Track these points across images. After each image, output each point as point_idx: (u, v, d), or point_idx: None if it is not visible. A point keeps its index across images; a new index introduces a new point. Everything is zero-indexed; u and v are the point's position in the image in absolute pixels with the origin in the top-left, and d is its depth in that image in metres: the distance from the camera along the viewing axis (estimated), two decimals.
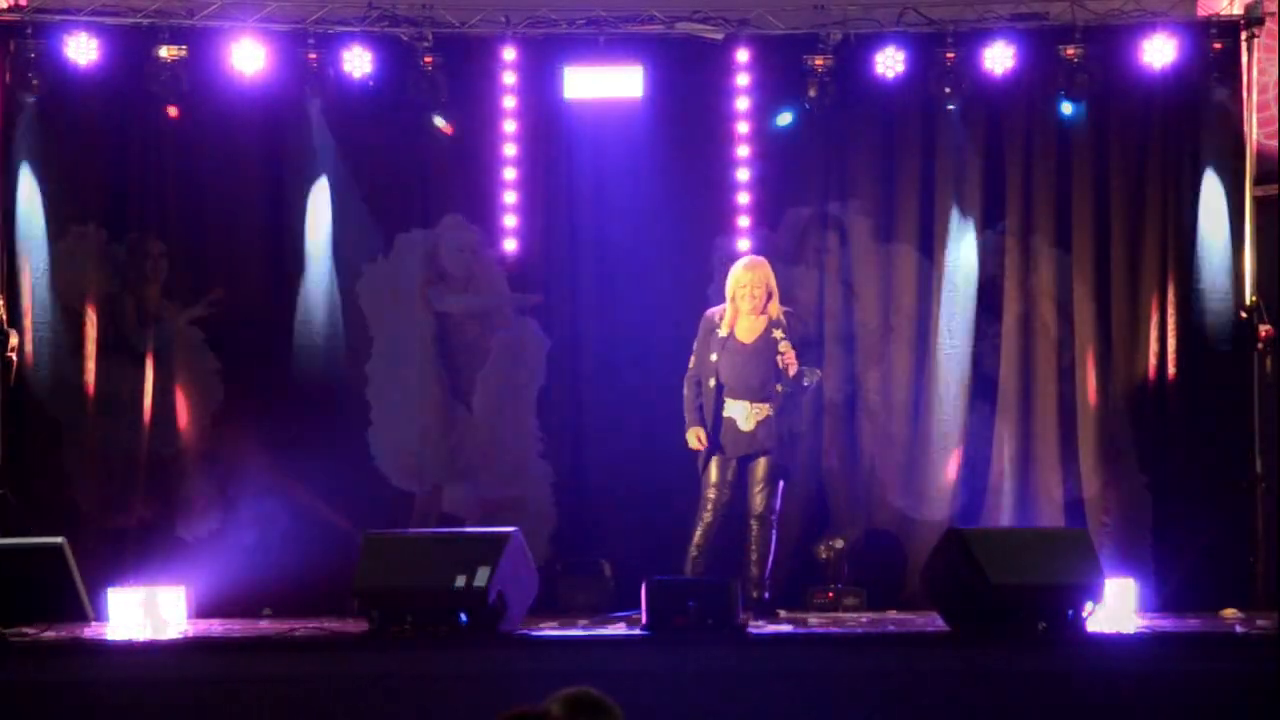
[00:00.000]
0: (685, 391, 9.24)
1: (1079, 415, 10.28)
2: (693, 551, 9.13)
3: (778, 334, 9.04)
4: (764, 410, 9.11)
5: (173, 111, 10.10)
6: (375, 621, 7.90)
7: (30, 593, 7.83)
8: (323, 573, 9.65)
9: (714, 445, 9.13)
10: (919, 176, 10.46)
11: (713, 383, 9.14)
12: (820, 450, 10.45)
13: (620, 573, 9.98)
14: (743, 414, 9.11)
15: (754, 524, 9.14)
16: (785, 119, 10.38)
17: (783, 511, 9.25)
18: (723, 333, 9.18)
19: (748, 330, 9.18)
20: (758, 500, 9.14)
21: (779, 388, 9.09)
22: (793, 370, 8.99)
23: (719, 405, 9.13)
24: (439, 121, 10.24)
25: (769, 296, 9.17)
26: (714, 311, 9.29)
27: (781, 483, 9.19)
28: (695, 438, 9.15)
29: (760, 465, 9.14)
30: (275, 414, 10.30)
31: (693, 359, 9.28)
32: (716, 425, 9.13)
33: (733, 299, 9.20)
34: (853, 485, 10.47)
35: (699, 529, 9.14)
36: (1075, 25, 10.19)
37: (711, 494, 9.15)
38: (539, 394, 10.50)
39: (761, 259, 9.35)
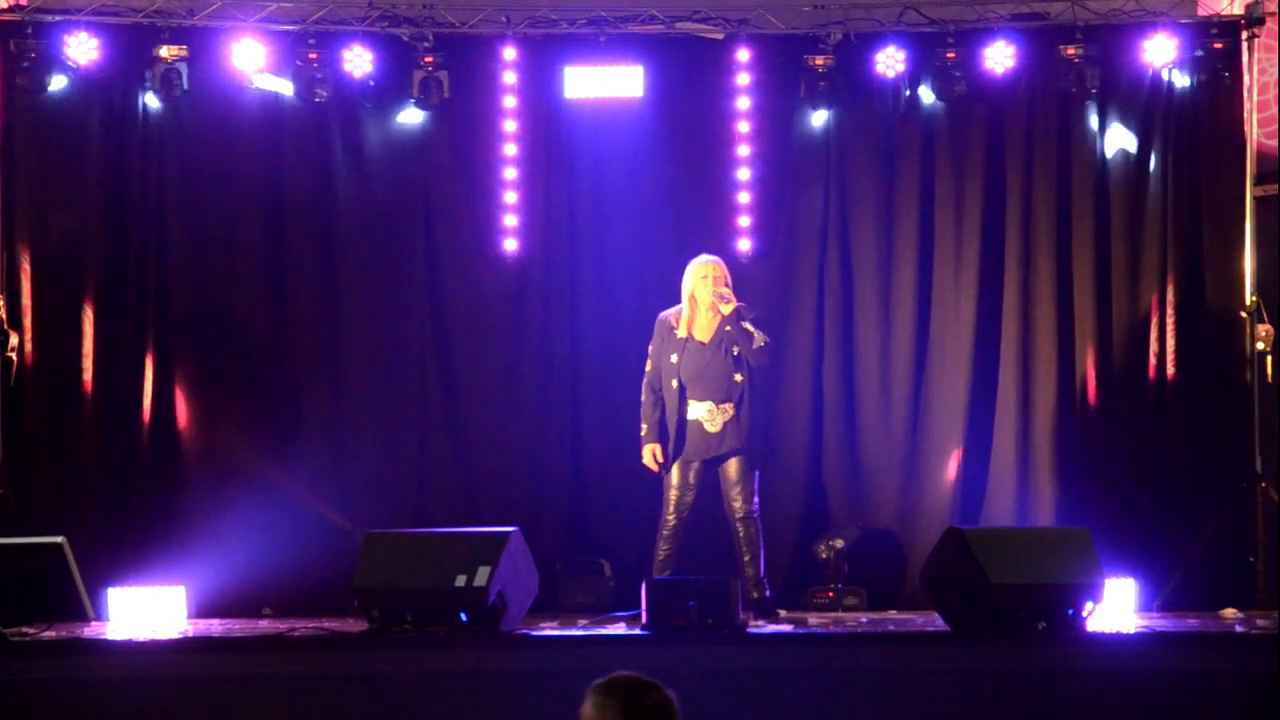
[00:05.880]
0: (643, 397, 9.23)
1: (1079, 415, 10.28)
2: (659, 555, 9.11)
3: (722, 290, 9.02)
4: (729, 410, 9.08)
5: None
6: (375, 621, 7.89)
7: (30, 592, 7.82)
8: (323, 572, 9.65)
9: (677, 449, 9.10)
10: (919, 176, 10.46)
11: (675, 384, 9.11)
12: (820, 450, 10.46)
13: (620, 573, 9.99)
14: (707, 415, 9.09)
15: (739, 526, 9.12)
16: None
17: (763, 502, 9.22)
18: (681, 334, 9.15)
19: (705, 328, 9.16)
20: (737, 503, 9.10)
21: (737, 377, 9.07)
22: (732, 304, 8.99)
23: (682, 407, 9.10)
24: None
25: (729, 287, 9.15)
26: (668, 314, 9.26)
27: (757, 473, 9.15)
28: (652, 456, 9.13)
29: (732, 467, 9.10)
30: (275, 414, 10.31)
31: (648, 363, 9.25)
32: (681, 427, 9.09)
33: (691, 295, 9.17)
34: (853, 485, 10.47)
35: (663, 533, 9.11)
36: (1076, 25, 10.19)
37: (674, 495, 9.12)
38: (538, 393, 10.49)
39: (716, 257, 9.33)
